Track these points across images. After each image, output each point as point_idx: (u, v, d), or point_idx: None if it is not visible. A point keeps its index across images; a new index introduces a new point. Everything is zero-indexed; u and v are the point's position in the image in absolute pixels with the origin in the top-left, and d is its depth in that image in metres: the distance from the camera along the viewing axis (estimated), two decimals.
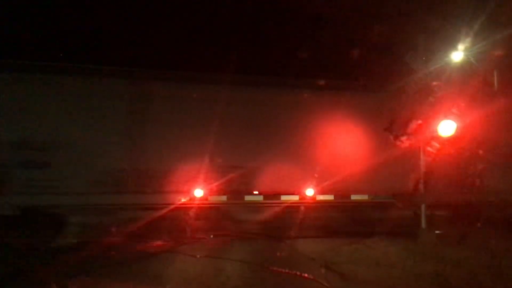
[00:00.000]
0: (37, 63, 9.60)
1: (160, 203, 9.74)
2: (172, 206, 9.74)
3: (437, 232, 9.74)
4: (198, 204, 10.01)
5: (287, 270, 6.99)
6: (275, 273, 7.07)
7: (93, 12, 10.75)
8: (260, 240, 9.82)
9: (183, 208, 9.91)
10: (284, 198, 10.48)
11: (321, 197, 10.56)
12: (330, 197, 10.64)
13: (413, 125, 9.60)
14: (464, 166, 10.25)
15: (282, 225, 10.48)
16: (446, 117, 9.06)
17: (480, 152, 10.02)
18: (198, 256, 8.17)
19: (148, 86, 10.21)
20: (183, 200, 9.99)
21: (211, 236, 9.97)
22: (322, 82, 10.63)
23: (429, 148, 9.48)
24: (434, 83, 9.43)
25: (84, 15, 10.84)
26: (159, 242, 9.39)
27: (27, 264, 7.59)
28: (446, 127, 9.07)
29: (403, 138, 9.80)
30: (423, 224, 9.72)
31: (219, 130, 9.74)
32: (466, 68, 9.49)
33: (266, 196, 10.46)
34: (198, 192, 10.04)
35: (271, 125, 10.36)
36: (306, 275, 6.81)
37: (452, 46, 9.47)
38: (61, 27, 10.85)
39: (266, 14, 11.11)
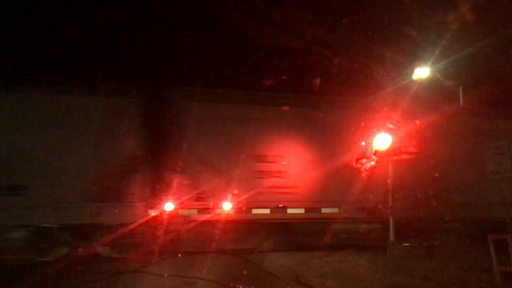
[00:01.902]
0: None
1: (129, 217, 9.55)
2: (141, 221, 9.56)
3: (405, 245, 9.88)
4: (168, 218, 9.86)
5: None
6: None
7: (67, 29, 10.71)
8: (230, 256, 9.70)
9: (153, 223, 9.74)
10: (255, 211, 10.46)
11: (291, 211, 10.59)
12: (301, 211, 10.68)
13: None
14: (430, 181, 10.47)
15: (253, 239, 10.45)
16: (410, 132, 9.23)
17: (445, 168, 10.26)
18: (165, 275, 8.02)
19: (120, 101, 10.11)
20: (152, 214, 9.83)
21: (179, 255, 9.78)
22: (298, 99, 10.84)
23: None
24: (400, 98, 9.64)
25: (57, 32, 10.77)
26: (126, 259, 9.17)
27: None
28: (412, 143, 9.25)
29: (363, 161, 9.94)
30: (392, 237, 9.85)
31: (190, 143, 9.69)
32: (432, 85, 9.75)
33: (238, 210, 10.41)
34: (169, 206, 9.90)
35: (241, 139, 10.38)
36: None
37: (419, 63, 9.74)
38: (35, 43, 10.77)
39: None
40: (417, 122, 9.70)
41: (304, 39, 10.49)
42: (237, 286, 7.13)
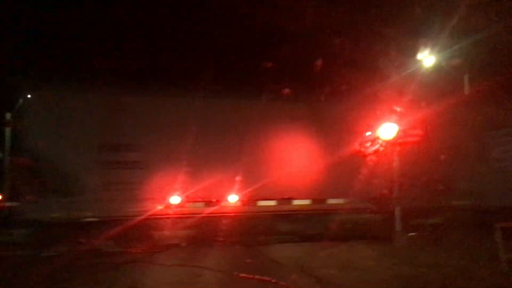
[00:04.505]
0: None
1: (136, 211, 9.60)
2: (147, 214, 9.61)
3: (411, 234, 9.87)
4: (174, 211, 9.91)
5: (259, 277, 6.95)
6: (248, 280, 7.02)
7: (67, 27, 10.75)
8: (235, 246, 9.76)
9: (159, 216, 9.80)
10: (260, 203, 10.48)
11: (297, 202, 10.60)
12: (307, 202, 10.68)
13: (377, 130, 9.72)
14: (435, 170, 10.42)
15: (259, 230, 10.49)
16: (414, 121, 9.17)
17: (450, 157, 10.21)
18: (169, 264, 8.10)
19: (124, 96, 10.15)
20: (159, 207, 9.87)
21: (183, 244, 9.85)
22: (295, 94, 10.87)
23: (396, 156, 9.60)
24: (403, 88, 9.57)
25: (58, 30, 10.81)
26: (131, 251, 9.24)
27: (2, 274, 7.42)
28: (415, 131, 9.20)
29: (367, 145, 9.91)
30: (397, 227, 9.83)
31: (195, 138, 9.72)
32: (435, 74, 9.66)
33: (243, 202, 10.43)
34: (175, 199, 9.94)
35: (245, 133, 10.38)
36: (280, 281, 6.77)
37: (422, 52, 9.64)
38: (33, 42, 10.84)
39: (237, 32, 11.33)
40: (422, 110, 9.61)
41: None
42: (242, 275, 7.17)
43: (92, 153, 9.76)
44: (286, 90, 10.64)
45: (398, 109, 9.16)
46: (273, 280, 6.75)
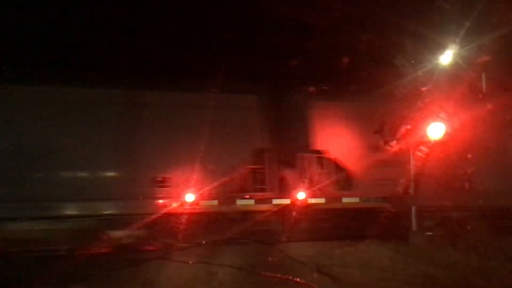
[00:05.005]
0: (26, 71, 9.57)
1: (152, 209, 9.67)
2: (163, 212, 9.68)
3: (427, 234, 9.80)
4: (189, 209, 9.96)
5: (278, 275, 6.97)
6: (266, 278, 7.04)
7: (83, 22, 10.80)
8: (252, 245, 9.79)
9: (174, 214, 9.85)
10: (275, 202, 10.49)
11: (312, 200, 10.59)
12: (321, 200, 10.66)
13: (402, 129, 9.68)
14: (453, 169, 10.33)
15: (274, 229, 10.50)
16: (434, 120, 9.09)
17: (469, 155, 10.11)
18: (190, 262, 8.14)
19: (138, 94, 10.20)
20: (174, 205, 9.93)
21: (203, 242, 9.92)
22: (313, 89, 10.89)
23: (418, 153, 9.53)
24: (423, 87, 9.48)
25: (73, 26, 10.86)
26: (150, 249, 9.32)
27: (19, 272, 7.51)
28: (435, 130, 9.12)
29: (393, 143, 9.88)
30: (414, 226, 9.77)
31: (210, 135, 9.76)
32: (454, 72, 9.55)
33: (258, 200, 10.45)
34: (189, 197, 9.99)
35: (260, 129, 10.42)
36: (297, 279, 6.79)
37: (441, 49, 9.53)
38: (51, 38, 10.91)
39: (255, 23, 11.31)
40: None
41: None
42: (259, 272, 7.19)
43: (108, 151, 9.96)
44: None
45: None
46: (291, 278, 6.78)
